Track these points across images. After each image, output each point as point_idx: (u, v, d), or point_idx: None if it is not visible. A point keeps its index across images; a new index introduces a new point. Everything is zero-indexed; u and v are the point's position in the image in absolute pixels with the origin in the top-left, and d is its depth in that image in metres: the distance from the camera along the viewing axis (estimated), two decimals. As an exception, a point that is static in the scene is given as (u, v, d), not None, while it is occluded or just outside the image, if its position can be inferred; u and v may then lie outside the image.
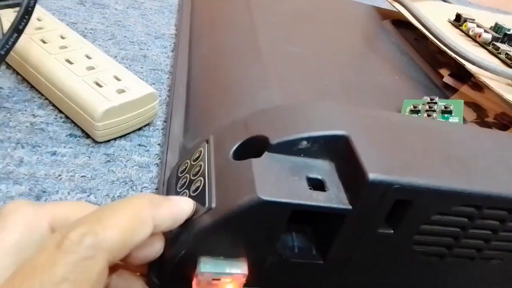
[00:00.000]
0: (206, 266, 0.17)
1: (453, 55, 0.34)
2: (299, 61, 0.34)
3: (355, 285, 0.21)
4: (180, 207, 0.17)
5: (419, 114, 0.28)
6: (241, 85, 0.30)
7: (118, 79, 0.27)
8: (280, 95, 0.28)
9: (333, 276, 0.20)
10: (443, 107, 0.28)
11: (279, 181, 0.17)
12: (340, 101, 0.30)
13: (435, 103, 0.28)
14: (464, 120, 0.32)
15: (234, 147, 0.19)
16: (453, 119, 0.27)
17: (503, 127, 0.32)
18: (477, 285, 0.22)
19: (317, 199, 0.17)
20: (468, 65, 0.33)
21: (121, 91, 0.26)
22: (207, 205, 0.17)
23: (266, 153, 0.18)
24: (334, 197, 0.17)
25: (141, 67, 0.36)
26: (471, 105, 0.34)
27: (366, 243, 0.19)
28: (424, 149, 0.19)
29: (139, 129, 0.28)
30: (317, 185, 0.18)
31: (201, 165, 0.20)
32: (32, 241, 0.15)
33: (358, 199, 0.17)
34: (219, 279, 0.18)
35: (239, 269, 0.18)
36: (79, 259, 0.13)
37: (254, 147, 0.19)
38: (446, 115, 0.27)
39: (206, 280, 0.17)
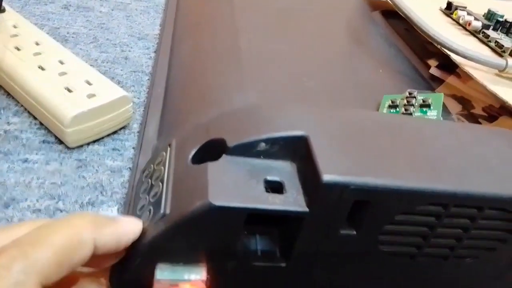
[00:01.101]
0: (163, 273, 0.17)
1: (438, 45, 0.33)
2: (280, 59, 0.34)
3: (322, 286, 0.20)
4: (126, 228, 0.16)
5: (398, 109, 0.27)
6: (217, 86, 0.29)
7: (90, 84, 0.27)
8: (256, 97, 0.27)
9: (300, 279, 0.19)
10: (421, 101, 0.27)
11: (234, 185, 0.17)
12: (319, 99, 0.29)
13: (414, 97, 0.27)
14: (448, 113, 0.31)
15: (193, 151, 0.19)
16: (432, 113, 0.26)
17: (490, 118, 0.31)
18: (452, 285, 0.21)
19: (273, 202, 0.17)
20: (452, 56, 0.32)
21: (91, 96, 0.26)
22: (162, 211, 0.17)
23: (223, 156, 0.18)
24: (292, 200, 0.17)
25: (121, 70, 0.35)
26: (458, 97, 0.33)
27: (330, 245, 0.18)
28: (388, 148, 0.19)
29: (114, 132, 0.28)
30: (276, 187, 0.18)
31: (161, 170, 0.20)
32: None
33: (315, 201, 0.17)
34: (177, 286, 0.17)
35: (198, 275, 0.17)
36: (8, 285, 0.12)
37: (213, 150, 0.19)
38: (424, 109, 0.26)
39: (163, 287, 0.17)
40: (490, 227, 0.19)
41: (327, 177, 0.16)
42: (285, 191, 0.17)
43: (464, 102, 0.32)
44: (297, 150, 0.18)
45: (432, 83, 0.35)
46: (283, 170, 0.18)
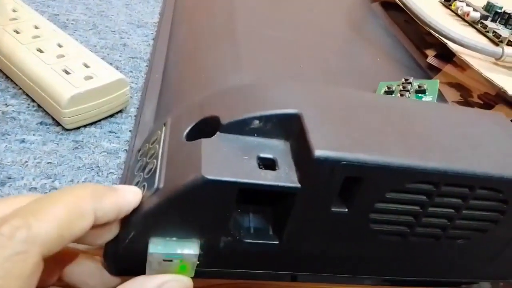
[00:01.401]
0: (157, 247, 0.17)
1: (436, 34, 0.33)
2: (277, 44, 0.34)
3: (315, 264, 0.20)
4: (126, 198, 0.16)
5: (393, 95, 0.27)
6: (213, 69, 0.29)
7: (87, 66, 0.27)
8: (251, 79, 0.28)
9: (292, 257, 0.20)
10: (417, 86, 0.27)
11: (227, 161, 0.17)
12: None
13: (410, 83, 0.27)
14: (444, 101, 0.31)
15: (188, 129, 0.19)
16: (427, 99, 0.26)
17: (487, 106, 0.31)
18: (445, 266, 0.22)
19: (265, 177, 0.17)
20: (449, 44, 0.32)
21: (88, 78, 0.26)
22: (155, 185, 0.17)
23: (218, 133, 0.18)
24: (284, 176, 0.17)
25: (119, 56, 0.36)
26: (454, 85, 0.33)
27: (322, 222, 0.18)
28: (380, 126, 0.19)
29: (111, 116, 0.28)
30: (269, 164, 0.18)
31: (156, 148, 0.20)
32: None
33: (307, 177, 0.17)
34: (171, 260, 0.17)
35: (191, 250, 0.17)
36: (10, 254, 0.12)
37: (207, 128, 0.19)
38: (419, 95, 0.26)
39: (156, 261, 0.17)
40: (481, 207, 0.19)
41: (318, 152, 0.16)
42: (278, 167, 0.17)
43: (461, 90, 0.32)
44: (290, 128, 0.18)
45: (430, 72, 0.35)
46: (276, 147, 0.18)
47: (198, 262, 0.18)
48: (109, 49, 0.36)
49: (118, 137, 0.27)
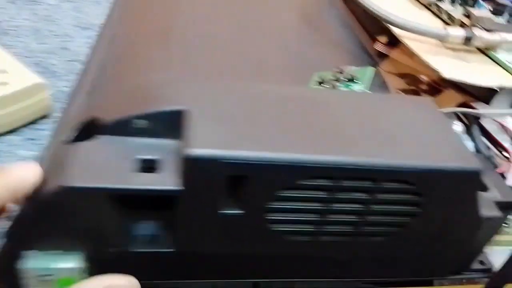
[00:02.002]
0: (28, 262, 0.16)
1: (379, 19, 0.31)
2: (217, 41, 0.32)
3: (219, 272, 0.19)
4: (19, 176, 0.15)
5: (325, 85, 0.26)
6: (142, 70, 0.28)
7: (5, 72, 0.26)
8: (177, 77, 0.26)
9: (192, 264, 0.18)
10: (349, 75, 0.25)
11: (100, 165, 0.16)
12: (247, 80, 0.28)
13: (341, 72, 0.26)
14: (385, 89, 0.29)
15: (70, 132, 0.18)
16: (357, 87, 0.24)
17: (434, 91, 0.30)
18: (370, 265, 0.20)
19: (139, 181, 0.15)
20: (393, 29, 0.30)
21: (4, 84, 0.25)
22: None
23: (96, 136, 0.17)
24: (165, 179, 0.16)
25: (57, 60, 0.34)
26: (401, 71, 0.31)
27: (215, 225, 0.17)
28: (276, 121, 0.17)
29: (33, 122, 0.27)
30: (150, 167, 0.16)
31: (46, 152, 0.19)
32: None
33: (188, 178, 0.15)
34: (50, 275, 0.16)
35: (71, 263, 0.16)
36: None
37: (92, 130, 0.18)
38: (349, 84, 0.25)
39: (33, 277, 0.16)
40: (392, 201, 0.18)
41: (194, 151, 0.15)
42: (160, 169, 0.16)
43: (407, 77, 0.31)
44: (179, 126, 0.17)
45: (379, 59, 0.34)
46: (163, 148, 0.17)
47: (86, 275, 0.17)
48: (47, 53, 0.35)
49: (37, 144, 0.26)
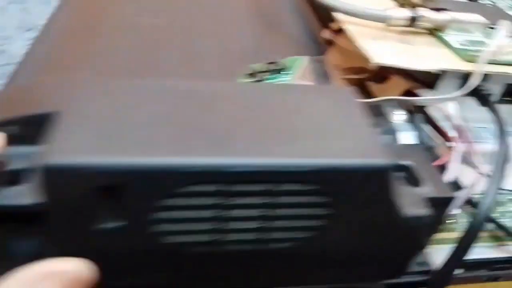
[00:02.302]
0: None
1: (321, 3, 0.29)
2: (152, 32, 0.30)
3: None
4: None
5: (254, 77, 0.24)
6: (72, 69, 0.26)
7: None
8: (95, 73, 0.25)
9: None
10: (279, 66, 0.24)
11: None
12: (175, 74, 0.26)
13: (274, 63, 0.24)
14: (326, 79, 0.27)
15: None
16: (284, 78, 0.23)
17: (380, 79, 0.28)
18: (283, 273, 0.18)
19: (-3, 196, 0.14)
20: (333, 13, 0.28)
21: None
22: None
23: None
24: (25, 192, 0.14)
25: (-9, 64, 0.33)
26: (346, 59, 0.29)
27: (98, 242, 0.15)
28: (157, 122, 0.15)
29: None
30: (15, 180, 0.15)
31: None
32: None
33: (51, 190, 0.14)
34: None
35: None
36: None
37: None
38: (275, 75, 0.23)
39: None
40: (295, 204, 0.16)
41: (53, 160, 0.13)
42: (25, 181, 0.14)
43: (353, 64, 0.29)
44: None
45: (328, 48, 0.32)
46: (35, 156, 0.15)
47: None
48: (-19, 58, 0.34)
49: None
